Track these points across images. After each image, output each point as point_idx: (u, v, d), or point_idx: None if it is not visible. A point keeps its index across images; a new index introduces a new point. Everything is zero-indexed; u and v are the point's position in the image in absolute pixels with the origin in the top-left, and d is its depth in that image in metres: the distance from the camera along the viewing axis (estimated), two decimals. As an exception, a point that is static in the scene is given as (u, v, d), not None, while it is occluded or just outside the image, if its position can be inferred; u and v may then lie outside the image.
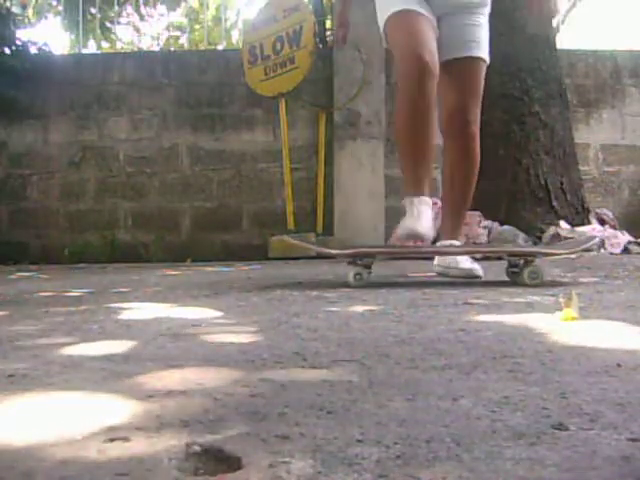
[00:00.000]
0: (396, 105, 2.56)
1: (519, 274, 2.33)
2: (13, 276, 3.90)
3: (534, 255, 2.35)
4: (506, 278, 2.47)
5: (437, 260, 2.62)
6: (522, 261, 2.33)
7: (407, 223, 2.35)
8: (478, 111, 2.62)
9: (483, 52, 2.61)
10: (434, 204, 4.43)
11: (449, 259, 2.56)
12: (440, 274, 2.60)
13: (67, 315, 1.84)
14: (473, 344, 1.25)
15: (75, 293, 2.61)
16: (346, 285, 2.35)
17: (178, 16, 10.92)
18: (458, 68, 2.57)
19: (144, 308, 1.97)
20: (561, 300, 1.61)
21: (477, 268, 2.55)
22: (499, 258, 2.69)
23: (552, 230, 3.97)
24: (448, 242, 2.59)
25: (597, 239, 2.43)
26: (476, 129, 2.61)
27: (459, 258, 2.55)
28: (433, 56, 2.41)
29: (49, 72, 5.70)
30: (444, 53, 2.52)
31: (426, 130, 2.43)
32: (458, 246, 2.61)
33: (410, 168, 2.46)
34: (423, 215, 2.36)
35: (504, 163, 4.45)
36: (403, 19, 2.47)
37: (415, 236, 2.34)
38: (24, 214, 5.84)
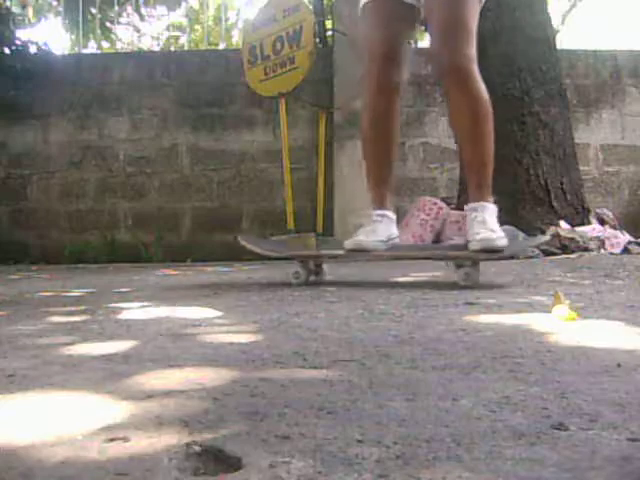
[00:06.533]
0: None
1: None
2: (13, 276, 3.90)
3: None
4: (508, 278, 2.47)
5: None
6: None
7: (357, 237, 2.38)
8: (469, 46, 2.26)
9: None
10: (434, 204, 4.46)
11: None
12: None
13: (67, 315, 1.84)
14: (473, 344, 1.25)
15: (75, 293, 2.61)
16: (347, 284, 2.35)
17: (178, 16, 10.93)
18: (438, 3, 2.30)
19: (144, 308, 1.97)
20: (548, 302, 1.61)
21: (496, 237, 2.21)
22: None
23: (552, 230, 3.96)
24: (476, 204, 2.31)
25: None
26: (468, 65, 2.24)
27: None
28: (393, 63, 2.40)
29: (49, 72, 5.70)
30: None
31: (388, 135, 2.46)
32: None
33: (373, 183, 2.51)
34: (378, 228, 2.41)
35: (504, 163, 4.44)
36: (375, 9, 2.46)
37: (361, 249, 2.36)
38: (24, 214, 5.84)
